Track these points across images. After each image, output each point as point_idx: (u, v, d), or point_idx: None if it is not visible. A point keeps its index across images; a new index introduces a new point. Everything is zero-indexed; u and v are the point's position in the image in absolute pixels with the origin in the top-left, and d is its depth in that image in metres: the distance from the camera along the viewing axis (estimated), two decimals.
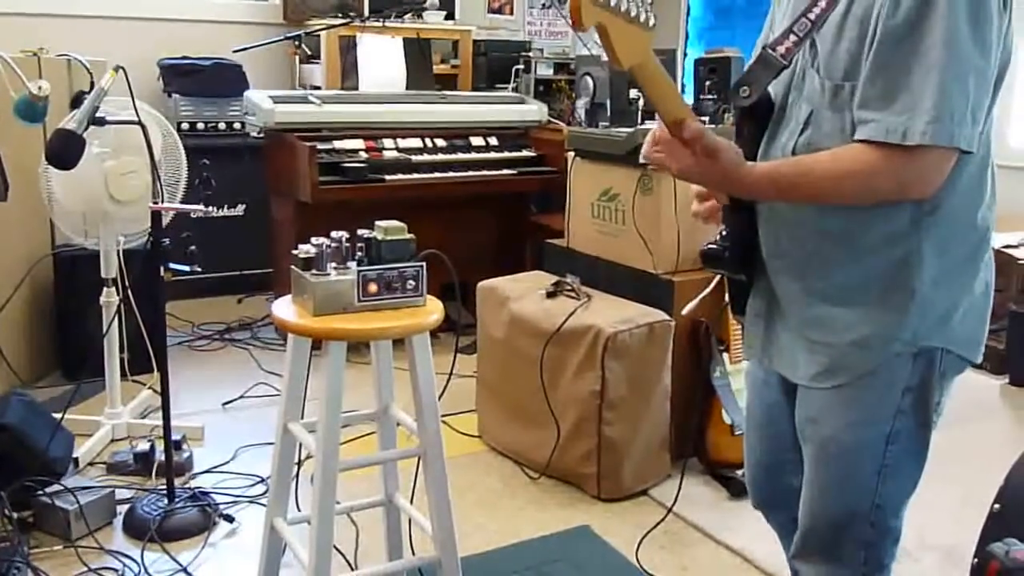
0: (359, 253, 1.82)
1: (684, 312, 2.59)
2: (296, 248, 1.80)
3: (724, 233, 1.41)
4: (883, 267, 1.30)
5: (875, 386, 1.34)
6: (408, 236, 1.83)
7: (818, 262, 1.34)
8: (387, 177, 3.72)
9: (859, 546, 1.40)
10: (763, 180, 1.29)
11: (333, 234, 1.82)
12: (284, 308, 1.80)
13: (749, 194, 1.33)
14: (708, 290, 2.51)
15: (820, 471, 1.41)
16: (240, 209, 4.48)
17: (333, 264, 1.80)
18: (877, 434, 1.35)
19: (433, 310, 1.81)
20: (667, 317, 2.71)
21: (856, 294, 1.32)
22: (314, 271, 1.78)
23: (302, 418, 1.90)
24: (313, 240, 1.80)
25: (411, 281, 1.81)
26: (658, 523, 2.44)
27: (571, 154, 3.14)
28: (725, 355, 2.76)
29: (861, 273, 1.31)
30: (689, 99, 3.49)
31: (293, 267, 1.81)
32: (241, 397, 3.40)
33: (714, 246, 1.41)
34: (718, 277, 2.26)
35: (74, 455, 2.60)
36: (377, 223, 1.84)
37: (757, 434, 1.58)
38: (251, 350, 3.93)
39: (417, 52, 4.20)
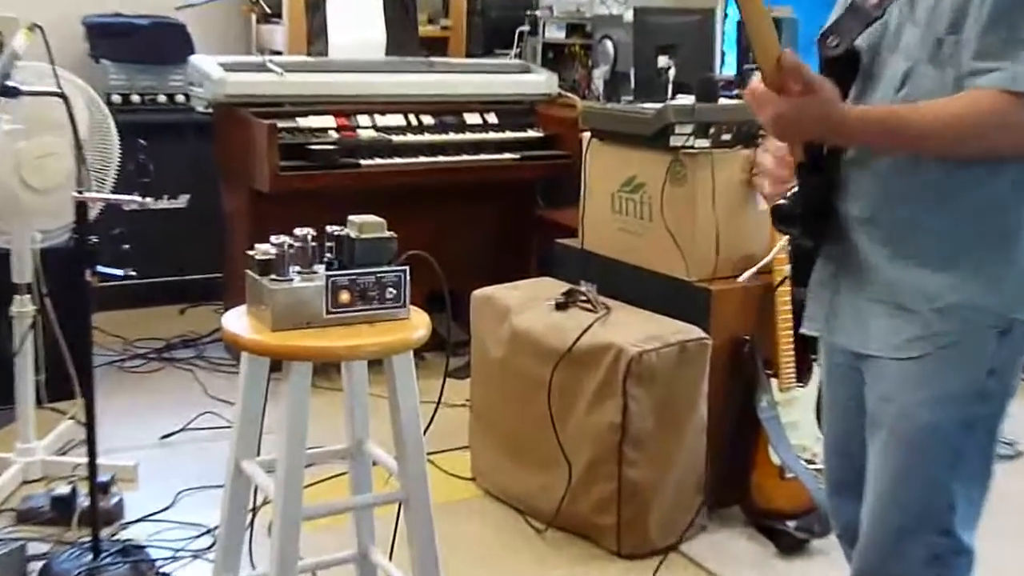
0: (328, 255, 1.84)
1: (740, 279, 2.62)
2: (252, 248, 1.83)
3: (795, 193, 1.54)
4: (982, 233, 1.45)
5: (958, 361, 1.46)
6: (388, 234, 1.85)
7: (911, 226, 1.48)
8: (363, 162, 3.75)
9: (928, 562, 1.48)
10: (868, 116, 1.43)
11: (297, 231, 1.84)
12: (237, 321, 1.82)
13: (847, 135, 1.44)
14: (772, 255, 2.52)
15: (888, 461, 1.51)
16: (183, 200, 4.51)
17: (297, 268, 1.82)
18: (954, 416, 1.46)
19: (418, 324, 1.83)
20: (703, 334, 2.72)
21: (949, 261, 1.46)
22: (273, 276, 1.80)
23: (258, 455, 1.92)
24: (273, 238, 1.82)
25: (391, 289, 1.83)
26: None
27: (586, 135, 3.16)
28: (773, 381, 2.78)
29: (957, 238, 1.45)
30: (731, 68, 3.53)
31: (248, 271, 1.84)
32: (183, 429, 3.42)
33: (786, 202, 1.54)
34: (783, 241, 2.37)
35: None
36: (350, 218, 1.86)
37: (835, 449, 1.69)
38: (196, 372, 3.95)
39: (399, 10, 4.22)
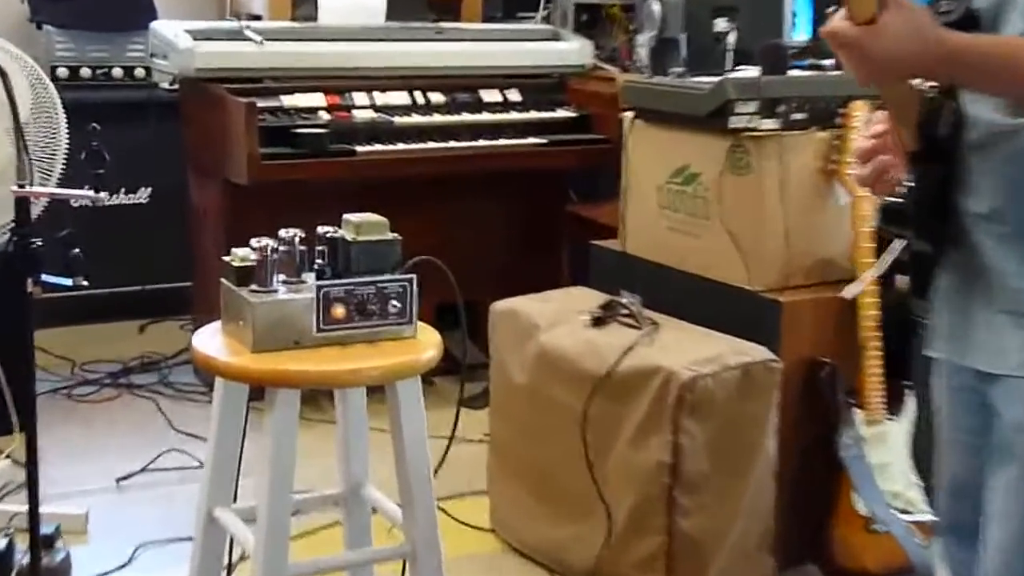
0: (319, 261, 1.86)
1: (846, 294, 2.62)
2: (228, 253, 1.84)
3: (908, 188, 1.56)
4: None
5: None
6: (391, 236, 1.87)
7: None
8: (359, 149, 3.77)
9: None
10: (981, 40, 1.47)
11: (282, 232, 1.86)
12: (210, 340, 1.84)
13: (948, 61, 1.44)
14: (887, 261, 2.47)
15: (1019, 501, 1.53)
16: (144, 195, 4.56)
17: (282, 276, 1.84)
18: None
19: (427, 344, 1.85)
20: (771, 356, 2.72)
21: None
22: (254, 287, 1.82)
23: (234, 502, 1.93)
24: (253, 241, 1.85)
25: (395, 302, 1.85)
26: None
27: (628, 115, 3.16)
28: (858, 413, 2.75)
29: None
30: (804, 33, 3.52)
31: (224, 280, 1.86)
32: (144, 470, 3.43)
33: (897, 199, 1.56)
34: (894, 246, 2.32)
35: None
36: (346, 217, 1.88)
37: (953, 489, 1.72)
38: (159, 401, 3.98)
39: None
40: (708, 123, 2.85)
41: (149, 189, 4.54)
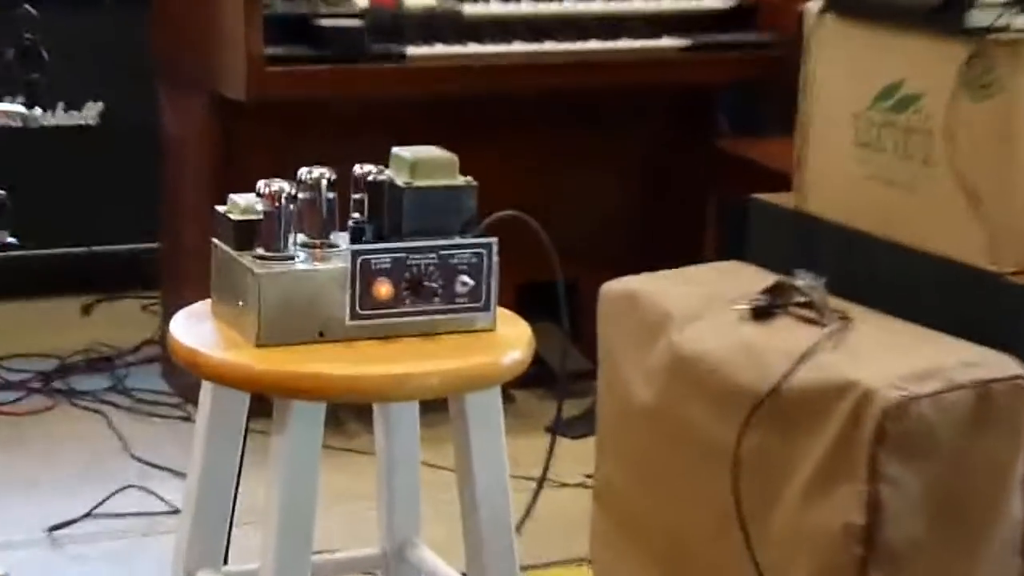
0: (355, 215, 1.86)
1: None
2: (221, 201, 1.87)
3: None
4: None
5: None
6: (462, 181, 1.87)
7: None
8: (411, 51, 3.77)
9: None
10: None
11: (303, 173, 1.86)
12: (192, 328, 1.84)
13: None
14: None
15: None
16: (94, 113, 4.59)
17: (302, 237, 1.85)
18: None
19: (511, 341, 1.86)
20: (1021, 371, 2.67)
21: None
22: (261, 251, 1.82)
23: (225, 563, 1.95)
24: (261, 185, 1.84)
25: (466, 277, 1.86)
26: None
27: (812, 6, 3.14)
28: None
29: None
30: None
31: (216, 241, 1.87)
32: (89, 515, 3.45)
33: None
34: None
35: None
36: (395, 151, 1.89)
37: None
38: (111, 415, 4.00)
39: None
40: (934, 21, 2.82)
41: (100, 105, 4.57)
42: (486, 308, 1.87)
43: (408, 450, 2.02)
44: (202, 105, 3.89)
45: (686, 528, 2.89)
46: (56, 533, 3.42)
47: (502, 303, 1.92)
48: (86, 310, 4.62)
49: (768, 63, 4.00)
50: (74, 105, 4.56)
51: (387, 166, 1.88)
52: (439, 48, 3.81)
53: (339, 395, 1.82)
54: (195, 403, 2.05)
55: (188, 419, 3.70)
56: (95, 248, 4.58)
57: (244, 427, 1.91)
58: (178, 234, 4.02)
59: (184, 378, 3.54)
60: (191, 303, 1.96)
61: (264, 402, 1.84)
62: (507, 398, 1.89)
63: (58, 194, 4.45)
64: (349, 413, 3.25)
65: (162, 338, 3.93)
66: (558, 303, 2.04)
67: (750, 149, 4.09)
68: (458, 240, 1.85)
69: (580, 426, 3.41)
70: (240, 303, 1.83)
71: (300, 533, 1.76)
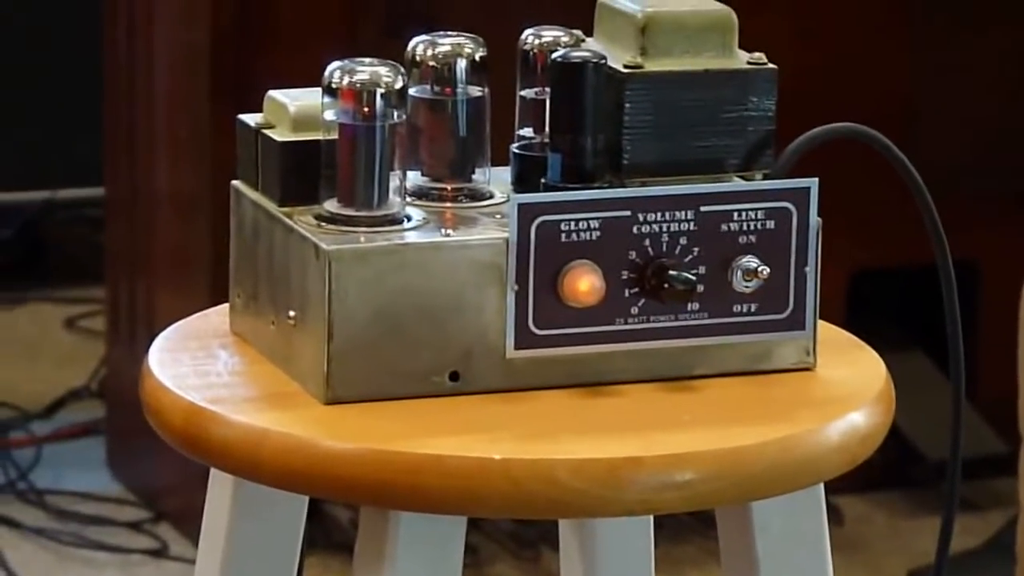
0: (525, 131, 1.45)
1: None
2: (248, 105, 1.45)
3: None
4: None
5: None
6: (745, 59, 1.40)
7: None
8: None
9: None
10: None
11: (419, 44, 1.39)
12: (188, 364, 1.34)
13: None
14: None
15: None
16: None
17: (418, 176, 1.39)
18: None
19: (848, 390, 1.36)
20: None
21: None
22: (330, 205, 1.33)
23: None
24: (336, 70, 1.35)
25: (753, 260, 1.33)
26: None
27: None
28: None
29: None
30: None
31: (238, 185, 1.43)
32: None
33: None
34: None
35: None
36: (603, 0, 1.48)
37: None
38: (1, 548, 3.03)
39: None
40: None
41: None
42: (798, 324, 1.26)
43: None
44: None
45: None
46: None
47: (825, 311, 1.28)
48: None
49: None
50: None
51: (587, 32, 1.32)
52: None
53: (498, 507, 1.22)
54: (176, 519, 1.66)
55: (161, 554, 2.75)
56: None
57: (299, 554, 1.32)
58: (143, 176, 3.12)
59: (156, 468, 2.75)
60: (175, 310, 1.59)
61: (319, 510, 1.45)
62: (831, 511, 1.38)
63: None
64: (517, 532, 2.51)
65: (104, 386, 3.08)
66: (935, 312, 1.44)
67: None
68: (740, 185, 1.27)
69: (980, 568, 2.66)
70: (291, 313, 1.25)
71: None
